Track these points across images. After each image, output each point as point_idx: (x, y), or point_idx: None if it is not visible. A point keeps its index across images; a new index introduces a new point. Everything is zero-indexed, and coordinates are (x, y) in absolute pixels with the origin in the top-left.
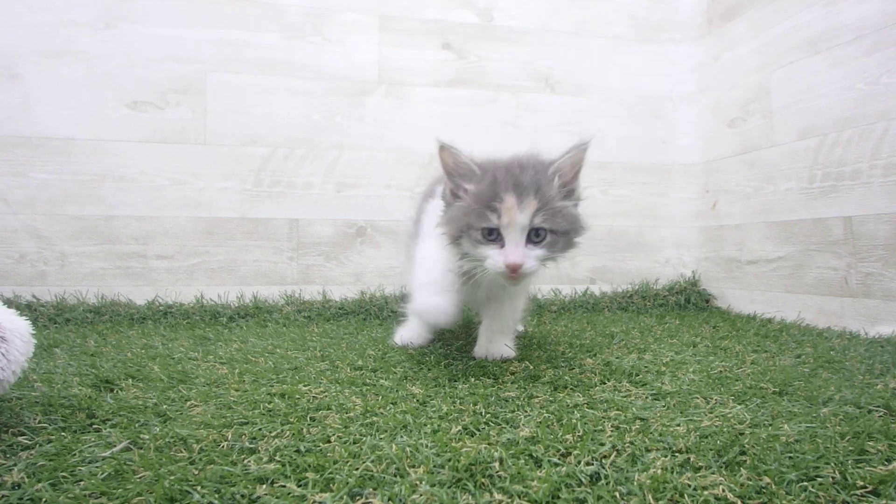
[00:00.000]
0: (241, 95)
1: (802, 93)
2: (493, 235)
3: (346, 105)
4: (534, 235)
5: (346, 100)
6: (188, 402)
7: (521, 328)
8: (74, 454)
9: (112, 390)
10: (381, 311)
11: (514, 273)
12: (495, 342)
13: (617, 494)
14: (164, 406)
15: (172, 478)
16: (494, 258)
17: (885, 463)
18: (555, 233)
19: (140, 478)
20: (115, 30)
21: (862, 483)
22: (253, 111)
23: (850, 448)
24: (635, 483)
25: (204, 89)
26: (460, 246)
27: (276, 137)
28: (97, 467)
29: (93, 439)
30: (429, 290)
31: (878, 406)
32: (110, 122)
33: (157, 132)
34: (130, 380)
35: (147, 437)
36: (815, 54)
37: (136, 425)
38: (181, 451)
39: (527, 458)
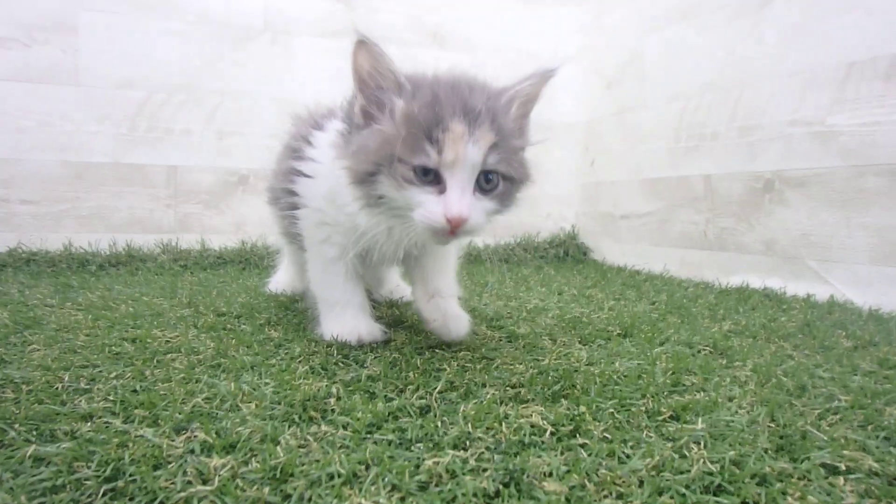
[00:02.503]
0: (116, 35)
1: (671, 57)
2: (430, 176)
3: (228, 51)
4: (483, 181)
5: (228, 45)
6: (30, 347)
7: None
8: None
9: None
10: (262, 261)
11: (455, 230)
12: (451, 311)
13: (439, 424)
14: (1, 349)
15: None
16: (429, 208)
17: (695, 393)
18: (509, 180)
19: None
20: None
21: (666, 410)
22: (129, 53)
23: (668, 381)
24: (460, 414)
25: (76, 27)
26: (373, 187)
27: (153, 81)
28: None
29: None
30: (335, 312)
31: (707, 345)
32: None
33: (23, 70)
34: None
35: None
36: (683, 21)
37: None
38: (7, 393)
39: (362, 393)
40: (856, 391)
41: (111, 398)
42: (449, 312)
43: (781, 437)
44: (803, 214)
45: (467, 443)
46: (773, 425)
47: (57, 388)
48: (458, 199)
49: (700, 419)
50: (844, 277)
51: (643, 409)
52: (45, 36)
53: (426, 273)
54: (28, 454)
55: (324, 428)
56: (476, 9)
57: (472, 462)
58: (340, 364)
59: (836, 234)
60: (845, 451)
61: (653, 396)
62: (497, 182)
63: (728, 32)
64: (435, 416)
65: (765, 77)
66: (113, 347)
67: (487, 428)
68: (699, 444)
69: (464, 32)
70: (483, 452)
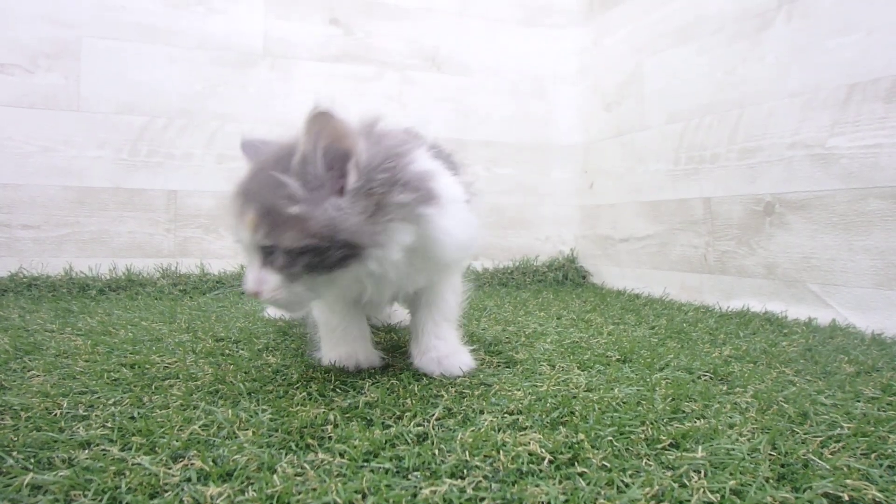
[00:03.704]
0: (118, 62)
1: (670, 79)
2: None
3: (229, 76)
4: (271, 255)
5: (229, 70)
6: (30, 373)
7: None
8: None
9: None
10: None
11: (264, 303)
12: (443, 353)
13: (437, 452)
14: (2, 376)
15: None
16: None
17: (695, 420)
18: (290, 252)
19: None
20: None
21: (665, 438)
22: (131, 79)
23: (668, 408)
24: (457, 441)
25: (78, 54)
26: None
27: (154, 106)
28: None
29: None
30: (335, 337)
31: (707, 371)
32: None
33: (26, 97)
34: None
35: None
36: (682, 43)
37: None
38: (6, 420)
39: (360, 420)
40: (859, 418)
41: (109, 425)
42: (442, 359)
43: (783, 466)
44: (804, 237)
45: (465, 471)
46: (774, 453)
47: (55, 415)
48: (248, 275)
49: (700, 447)
50: (846, 301)
51: (642, 436)
52: (47, 62)
53: (418, 326)
54: (25, 482)
55: (321, 456)
56: (474, 32)
57: (469, 491)
58: (338, 390)
59: (837, 257)
60: (848, 481)
61: (652, 424)
62: (277, 255)
63: (728, 54)
64: (432, 443)
65: (765, 99)
66: (112, 373)
67: (485, 456)
68: (699, 472)
69: (462, 55)
70: (481, 481)
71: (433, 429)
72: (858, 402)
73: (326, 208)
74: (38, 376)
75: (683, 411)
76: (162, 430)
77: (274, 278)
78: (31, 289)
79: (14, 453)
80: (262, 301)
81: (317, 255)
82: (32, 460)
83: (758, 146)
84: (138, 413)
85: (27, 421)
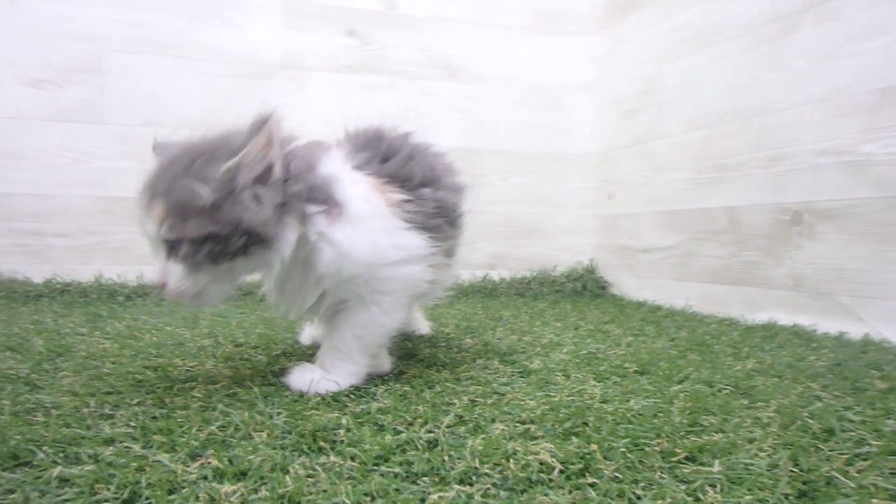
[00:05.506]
0: (140, 76)
1: (690, 86)
2: None
3: (247, 87)
4: (176, 247)
5: (247, 82)
6: (61, 373)
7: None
8: None
9: None
10: None
11: (169, 296)
12: (319, 370)
13: (446, 458)
14: (35, 376)
15: (20, 437)
16: None
17: (713, 434)
18: (193, 241)
19: None
20: (17, 7)
21: (681, 451)
22: (152, 92)
23: (685, 421)
24: (468, 448)
25: (103, 69)
26: None
27: (176, 118)
28: None
29: None
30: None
31: (728, 385)
32: (10, 99)
33: (57, 111)
34: (9, 352)
35: (7, 402)
36: (703, 48)
37: (3, 393)
38: (38, 416)
39: (371, 425)
40: (889, 436)
41: (132, 424)
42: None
43: (804, 483)
44: (835, 248)
45: (474, 478)
46: (795, 470)
47: (83, 413)
48: (155, 267)
49: (717, 461)
50: (879, 314)
51: (657, 449)
52: (75, 77)
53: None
54: (54, 475)
55: (332, 458)
56: (489, 40)
57: (477, 498)
58: (351, 396)
59: (869, 268)
60: (874, 500)
61: (668, 436)
62: (178, 247)
63: (750, 59)
64: (442, 450)
65: (791, 104)
66: (136, 375)
67: (495, 464)
68: (715, 487)
69: (476, 64)
70: (489, 488)
71: (444, 435)
72: (889, 419)
73: (243, 198)
74: (68, 377)
75: (701, 425)
76: (181, 429)
77: (178, 269)
78: (63, 294)
79: (44, 448)
80: (169, 294)
81: (219, 243)
82: (61, 455)
83: (784, 153)
84: (160, 413)
85: (57, 418)
